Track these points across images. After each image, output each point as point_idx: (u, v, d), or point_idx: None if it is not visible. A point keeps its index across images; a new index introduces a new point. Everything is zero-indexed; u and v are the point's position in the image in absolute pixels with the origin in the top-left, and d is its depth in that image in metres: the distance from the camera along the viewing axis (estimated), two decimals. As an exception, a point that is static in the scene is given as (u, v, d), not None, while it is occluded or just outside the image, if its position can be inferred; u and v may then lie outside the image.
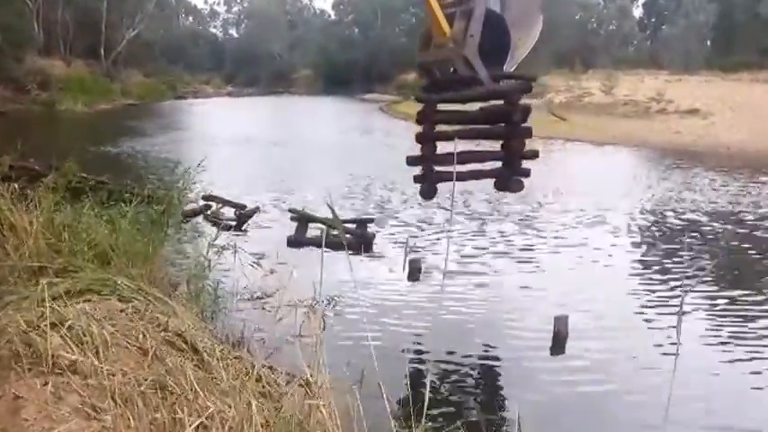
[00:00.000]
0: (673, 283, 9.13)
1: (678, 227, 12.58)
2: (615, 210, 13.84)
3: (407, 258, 9.29)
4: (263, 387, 5.25)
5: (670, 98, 33.49)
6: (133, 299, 5.61)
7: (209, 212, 12.15)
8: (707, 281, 9.31)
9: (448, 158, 7.44)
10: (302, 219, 10.90)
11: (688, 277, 8.95)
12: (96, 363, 4.14)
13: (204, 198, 12.53)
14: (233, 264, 7.87)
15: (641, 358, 6.78)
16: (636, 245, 11.46)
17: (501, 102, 7.66)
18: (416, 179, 7.91)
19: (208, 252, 7.77)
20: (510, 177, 7.72)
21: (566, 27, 65.26)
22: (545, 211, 13.60)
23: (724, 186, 16.64)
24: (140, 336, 4.93)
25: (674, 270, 9.82)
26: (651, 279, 9.50)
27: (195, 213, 11.97)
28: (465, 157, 7.56)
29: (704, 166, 20.17)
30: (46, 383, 3.81)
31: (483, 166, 7.84)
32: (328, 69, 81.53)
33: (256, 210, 12.31)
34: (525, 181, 7.70)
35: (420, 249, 10.34)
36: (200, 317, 6.80)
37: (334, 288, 8.46)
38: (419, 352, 7.08)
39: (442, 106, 7.79)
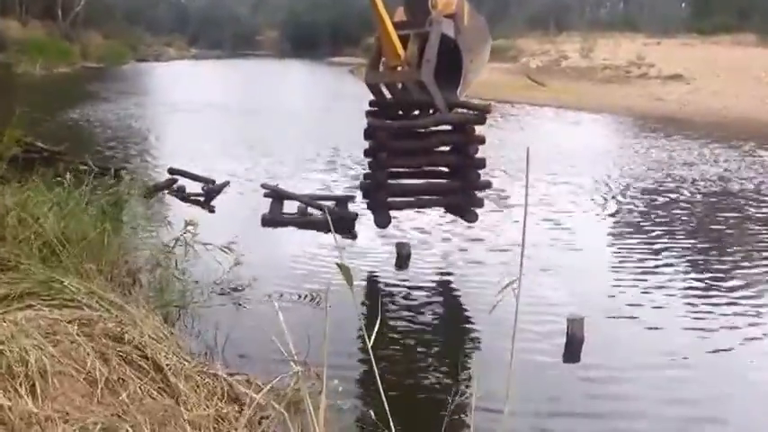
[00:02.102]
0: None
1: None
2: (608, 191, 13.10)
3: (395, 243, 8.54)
4: (239, 410, 4.46)
5: (651, 62, 32.80)
6: (83, 305, 4.74)
7: (174, 187, 11.18)
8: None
9: (402, 187, 8.07)
10: (277, 195, 10.02)
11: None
12: (31, 405, 3.27)
13: (169, 172, 11.61)
14: (202, 249, 7.03)
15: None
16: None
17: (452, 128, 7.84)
18: (370, 207, 8.14)
19: (174, 241, 6.90)
20: (465, 208, 7.97)
21: (539, -12, 64.57)
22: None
23: (729, 161, 15.70)
24: (90, 357, 4.08)
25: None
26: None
27: (159, 189, 11.00)
28: (420, 188, 8.14)
29: (697, 135, 19.47)
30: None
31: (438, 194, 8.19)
32: (295, 31, 79.70)
33: (226, 184, 11.37)
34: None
35: (405, 232, 9.38)
36: (165, 318, 5.93)
37: (316, 278, 7.62)
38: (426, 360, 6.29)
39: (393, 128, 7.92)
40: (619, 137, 20.00)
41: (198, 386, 4.52)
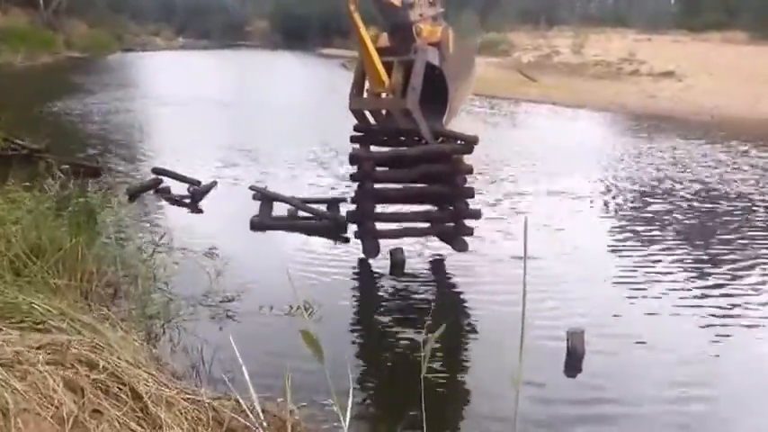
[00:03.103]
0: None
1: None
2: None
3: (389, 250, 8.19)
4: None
5: (642, 59, 32.50)
6: (54, 329, 4.35)
7: (159, 188, 10.77)
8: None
9: (390, 216, 8.09)
10: (266, 198, 9.64)
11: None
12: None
13: (154, 171, 11.22)
14: (187, 256, 6.66)
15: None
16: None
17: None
18: (358, 236, 8.02)
19: (157, 248, 6.54)
20: (455, 237, 7.92)
21: (529, -18, 64.34)
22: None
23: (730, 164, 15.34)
24: (60, 389, 3.70)
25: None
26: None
27: (143, 190, 10.61)
28: (408, 216, 8.11)
29: (692, 134, 19.20)
30: None
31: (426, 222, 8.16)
32: (285, 21, 78.74)
33: (213, 185, 10.96)
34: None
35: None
36: (149, 334, 5.56)
37: (307, 286, 7.26)
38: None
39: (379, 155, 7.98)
40: (614, 135, 19.71)
41: (180, 413, 4.17)
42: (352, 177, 8.10)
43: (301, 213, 9.54)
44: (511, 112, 24.11)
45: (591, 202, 11.44)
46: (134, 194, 10.25)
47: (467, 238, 8.03)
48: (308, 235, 9.10)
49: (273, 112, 21.62)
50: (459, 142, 7.70)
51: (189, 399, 4.34)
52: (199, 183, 10.74)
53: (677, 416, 5.18)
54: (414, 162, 7.85)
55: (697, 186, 12.71)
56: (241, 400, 4.38)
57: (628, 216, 10.72)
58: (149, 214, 9.59)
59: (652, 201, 11.63)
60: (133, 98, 24.40)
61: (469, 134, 7.85)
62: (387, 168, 7.95)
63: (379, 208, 8.13)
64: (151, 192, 10.72)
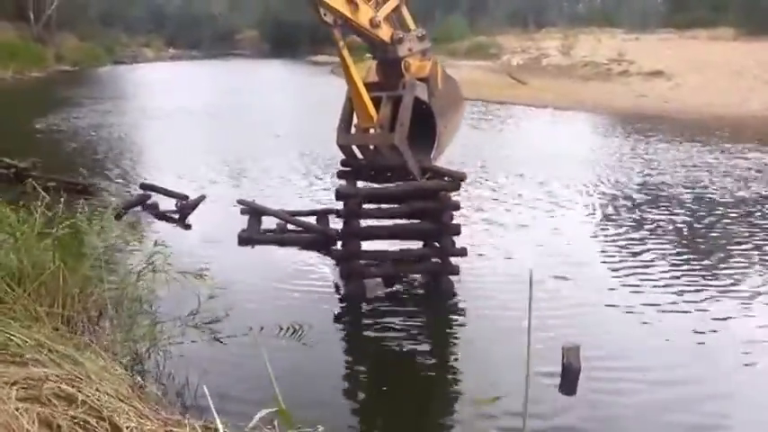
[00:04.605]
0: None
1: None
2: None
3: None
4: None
5: (631, 59, 32.42)
6: (30, 362, 4.18)
7: (147, 203, 10.60)
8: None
9: (375, 255, 7.77)
10: (254, 212, 9.48)
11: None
12: None
13: (141, 187, 11.06)
14: (174, 275, 6.48)
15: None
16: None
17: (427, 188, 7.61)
18: (343, 276, 7.81)
19: (143, 268, 6.33)
20: (442, 276, 7.67)
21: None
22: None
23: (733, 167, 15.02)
24: (34, 428, 3.54)
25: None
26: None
27: (131, 206, 10.44)
28: (395, 254, 7.85)
29: (682, 134, 19.08)
30: None
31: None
32: (274, 30, 78.51)
33: (201, 199, 10.78)
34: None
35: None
36: (132, 360, 5.39)
37: (298, 307, 7.10)
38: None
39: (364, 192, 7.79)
40: (604, 137, 19.58)
41: (165, 450, 4.02)
42: (338, 214, 8.03)
43: (290, 227, 9.38)
44: (500, 115, 23.95)
45: (574, 205, 11.37)
46: (122, 211, 10.06)
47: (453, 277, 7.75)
48: (297, 248, 8.96)
49: (260, 122, 21.44)
50: (446, 179, 7.60)
51: (171, 431, 4.20)
52: (187, 197, 10.57)
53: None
54: (400, 198, 7.77)
55: (689, 186, 12.65)
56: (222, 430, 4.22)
57: (621, 223, 10.55)
58: (137, 230, 9.40)
59: (647, 207, 11.47)
60: (121, 111, 24.16)
61: (456, 171, 7.81)
62: (373, 205, 7.81)
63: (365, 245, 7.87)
64: (139, 207, 10.53)
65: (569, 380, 5.61)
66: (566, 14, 66.59)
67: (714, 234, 10.00)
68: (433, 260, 7.79)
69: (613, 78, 30.97)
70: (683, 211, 11.15)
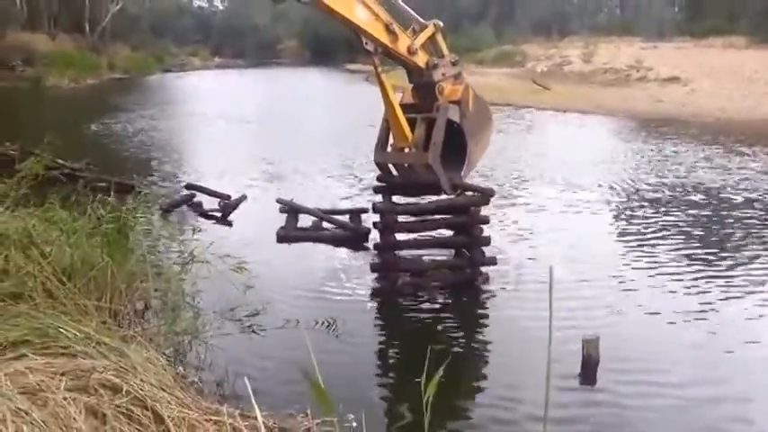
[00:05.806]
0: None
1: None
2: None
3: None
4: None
5: (649, 66, 31.94)
6: (79, 354, 4.14)
7: (192, 203, 10.61)
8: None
9: (410, 264, 7.82)
10: (292, 210, 9.44)
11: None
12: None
13: (187, 187, 11.08)
14: (215, 270, 6.41)
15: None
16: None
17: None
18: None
19: (186, 263, 6.30)
20: (472, 285, 7.66)
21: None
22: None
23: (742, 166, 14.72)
24: (81, 417, 3.49)
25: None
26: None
27: (177, 204, 10.45)
28: (428, 264, 7.88)
29: (700, 138, 18.66)
30: None
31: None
32: (312, 40, 78.83)
33: (242, 199, 10.77)
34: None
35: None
36: (175, 352, 5.35)
37: (332, 301, 7.02)
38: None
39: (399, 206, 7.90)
40: (624, 140, 19.19)
41: (204, 438, 3.96)
42: (375, 225, 8.03)
43: (325, 224, 9.32)
44: (526, 118, 23.69)
45: (592, 204, 11.12)
46: (167, 210, 10.09)
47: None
48: (332, 245, 8.89)
49: (300, 126, 21.42)
50: (475, 194, 7.67)
51: (211, 420, 4.14)
52: (229, 197, 10.57)
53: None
54: (433, 213, 7.86)
55: (707, 189, 12.31)
56: (261, 418, 4.14)
57: (642, 222, 10.31)
58: (181, 229, 9.39)
59: (664, 204, 11.22)
60: (168, 116, 24.35)
61: (485, 186, 7.90)
62: (408, 218, 7.95)
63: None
64: (184, 207, 10.54)
65: (588, 370, 5.51)
66: (587, 24, 65.73)
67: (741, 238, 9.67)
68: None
69: (632, 84, 30.56)
70: (710, 212, 10.87)
